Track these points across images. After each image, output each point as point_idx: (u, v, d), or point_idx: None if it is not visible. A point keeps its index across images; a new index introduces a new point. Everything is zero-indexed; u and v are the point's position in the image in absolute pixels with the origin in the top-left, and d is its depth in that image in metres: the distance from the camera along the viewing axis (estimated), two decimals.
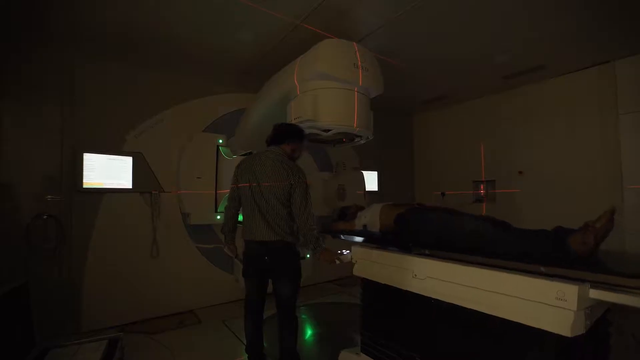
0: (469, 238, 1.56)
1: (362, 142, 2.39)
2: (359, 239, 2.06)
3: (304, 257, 3.68)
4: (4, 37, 2.50)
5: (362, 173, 4.14)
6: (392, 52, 2.90)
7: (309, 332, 2.91)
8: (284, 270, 1.96)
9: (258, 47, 2.85)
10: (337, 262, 1.96)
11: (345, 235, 2.15)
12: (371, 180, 4.64)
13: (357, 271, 1.94)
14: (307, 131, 2.17)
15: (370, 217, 2.09)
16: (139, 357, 2.40)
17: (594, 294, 1.06)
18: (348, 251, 2.01)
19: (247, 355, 2.08)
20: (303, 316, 3.17)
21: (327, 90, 2.06)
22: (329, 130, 2.14)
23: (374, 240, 2.02)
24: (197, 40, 2.74)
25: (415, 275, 1.57)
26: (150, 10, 2.30)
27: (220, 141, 3.50)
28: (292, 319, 2.00)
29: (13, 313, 1.91)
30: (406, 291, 1.62)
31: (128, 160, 3.03)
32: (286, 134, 2.05)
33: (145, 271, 3.12)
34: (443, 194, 4.47)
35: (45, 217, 2.66)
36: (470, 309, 1.33)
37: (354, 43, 2.11)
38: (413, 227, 1.81)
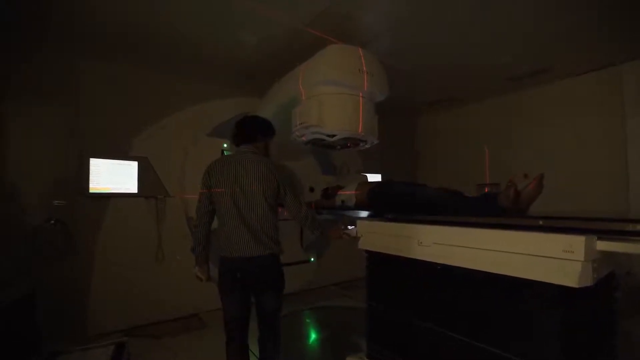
0: (429, 204, 1.84)
1: (367, 146, 2.39)
2: (364, 213, 2.22)
3: (308, 261, 3.68)
4: (8, 39, 2.51)
5: (365, 176, 4.13)
6: (396, 55, 2.90)
7: (313, 337, 2.90)
8: (270, 283, 1.80)
9: (262, 51, 2.86)
10: (345, 237, 2.07)
11: (326, 211, 2.51)
12: None
13: (363, 244, 1.93)
14: (312, 136, 2.18)
15: (348, 195, 2.49)
16: None
17: (601, 245, 1.07)
18: (353, 226, 2.03)
19: None
20: (307, 320, 3.17)
21: (332, 96, 2.07)
22: (334, 135, 2.14)
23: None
24: (202, 45, 2.75)
25: (421, 242, 1.57)
26: (154, 13, 2.31)
27: (225, 145, 3.51)
28: (277, 333, 1.86)
29: (20, 320, 1.93)
30: (412, 260, 1.62)
31: (134, 165, 3.05)
32: (258, 130, 1.88)
33: (150, 275, 3.13)
34: None
35: (52, 221, 2.68)
36: (476, 271, 1.33)
37: (359, 48, 2.11)
38: (382, 199, 2.18)
